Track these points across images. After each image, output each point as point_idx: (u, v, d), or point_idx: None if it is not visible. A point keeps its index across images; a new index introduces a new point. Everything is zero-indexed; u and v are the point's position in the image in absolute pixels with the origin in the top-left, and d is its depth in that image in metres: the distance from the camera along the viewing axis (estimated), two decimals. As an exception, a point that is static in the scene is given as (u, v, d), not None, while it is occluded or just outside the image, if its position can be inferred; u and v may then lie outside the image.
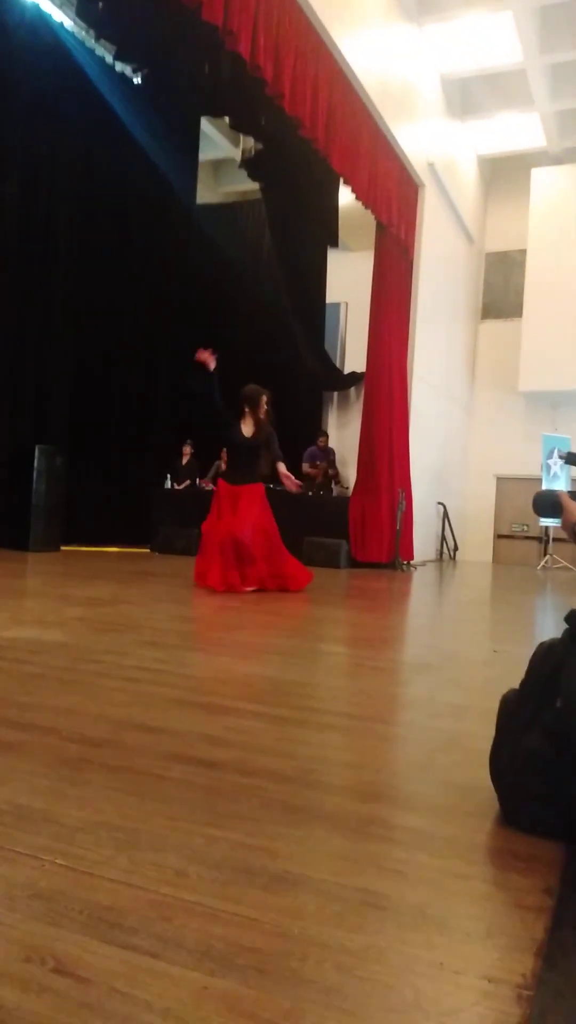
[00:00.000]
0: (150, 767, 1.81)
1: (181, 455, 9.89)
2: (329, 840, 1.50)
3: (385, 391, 8.89)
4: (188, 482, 9.60)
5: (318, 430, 11.35)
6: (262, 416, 5.67)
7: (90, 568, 7.04)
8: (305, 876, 1.34)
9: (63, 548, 8.48)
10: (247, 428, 5.67)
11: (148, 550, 9.12)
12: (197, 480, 9.62)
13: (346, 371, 11.40)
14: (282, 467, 5.79)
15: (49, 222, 8.93)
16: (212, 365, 5.54)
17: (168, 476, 9.60)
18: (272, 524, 5.72)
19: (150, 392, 10.68)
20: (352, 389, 11.22)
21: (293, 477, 5.89)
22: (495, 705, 1.74)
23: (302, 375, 10.99)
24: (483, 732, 2.07)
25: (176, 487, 9.51)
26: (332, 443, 11.34)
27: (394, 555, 8.75)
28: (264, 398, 5.69)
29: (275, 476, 5.82)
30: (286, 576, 5.66)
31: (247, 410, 5.68)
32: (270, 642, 3.60)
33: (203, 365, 5.53)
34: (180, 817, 1.55)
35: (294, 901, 1.26)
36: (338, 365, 11.51)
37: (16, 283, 8.50)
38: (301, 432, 11.20)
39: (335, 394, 11.60)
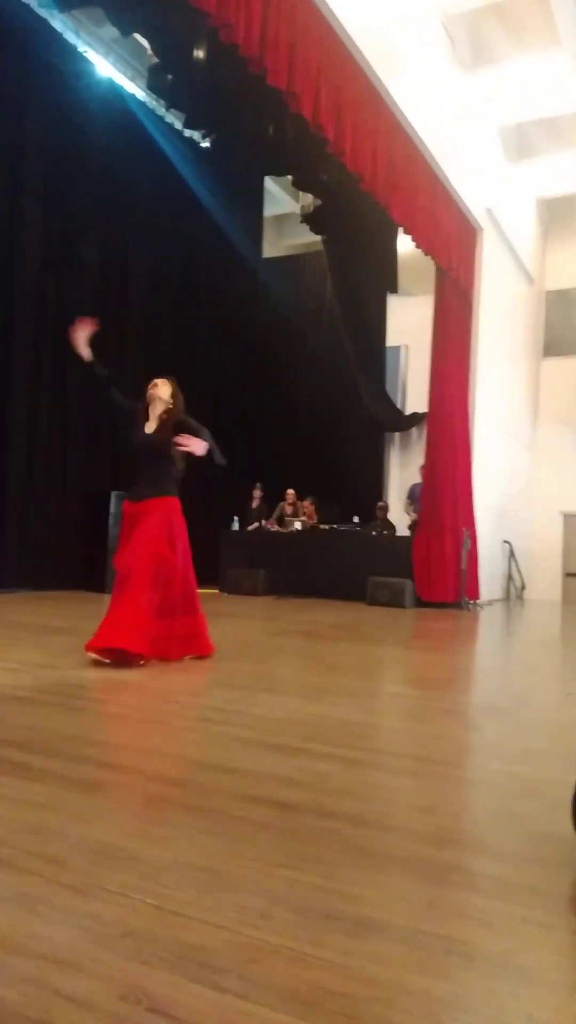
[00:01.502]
0: (228, 808, 1.85)
1: (251, 498, 10.06)
2: (409, 886, 1.51)
3: (447, 431, 8.89)
4: (256, 524, 9.74)
5: (377, 471, 11.40)
6: (162, 406, 4.24)
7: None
8: (387, 922, 1.35)
9: (134, 591, 8.64)
10: (149, 425, 4.25)
11: (216, 591, 9.24)
12: (263, 522, 9.75)
13: (407, 412, 11.45)
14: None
15: (124, 283, 9.36)
16: (85, 349, 4.29)
17: (236, 518, 9.76)
18: (177, 554, 4.05)
19: (217, 437, 10.91)
20: (414, 429, 11.26)
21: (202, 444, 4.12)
22: (572, 750, 1.72)
23: (364, 418, 11.11)
24: (562, 778, 2.04)
25: (248, 528, 9.67)
26: (393, 483, 11.36)
27: (460, 594, 8.65)
28: (158, 382, 4.33)
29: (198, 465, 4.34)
30: (197, 635, 4.09)
31: (147, 405, 4.29)
32: (338, 683, 3.61)
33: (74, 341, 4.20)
34: (260, 859, 1.58)
35: (378, 947, 1.28)
36: (399, 407, 11.58)
37: (93, 340, 8.87)
38: (360, 474, 11.27)
39: (396, 435, 11.65)
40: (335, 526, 9.18)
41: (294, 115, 5.68)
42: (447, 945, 1.30)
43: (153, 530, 3.94)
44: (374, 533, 9.18)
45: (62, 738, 2.42)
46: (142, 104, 9.11)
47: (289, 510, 9.86)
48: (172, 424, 4.17)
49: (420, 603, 8.34)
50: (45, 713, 2.74)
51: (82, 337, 4.32)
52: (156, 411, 4.30)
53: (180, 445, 4.09)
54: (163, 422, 4.22)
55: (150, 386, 4.36)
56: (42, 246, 8.18)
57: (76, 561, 8.57)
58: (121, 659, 3.66)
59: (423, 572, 8.47)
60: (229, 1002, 1.12)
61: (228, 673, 3.72)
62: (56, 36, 8.00)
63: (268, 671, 3.83)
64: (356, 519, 9.34)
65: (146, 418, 4.30)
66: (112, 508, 8.32)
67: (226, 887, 1.45)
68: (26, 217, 7.92)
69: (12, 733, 2.48)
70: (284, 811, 1.84)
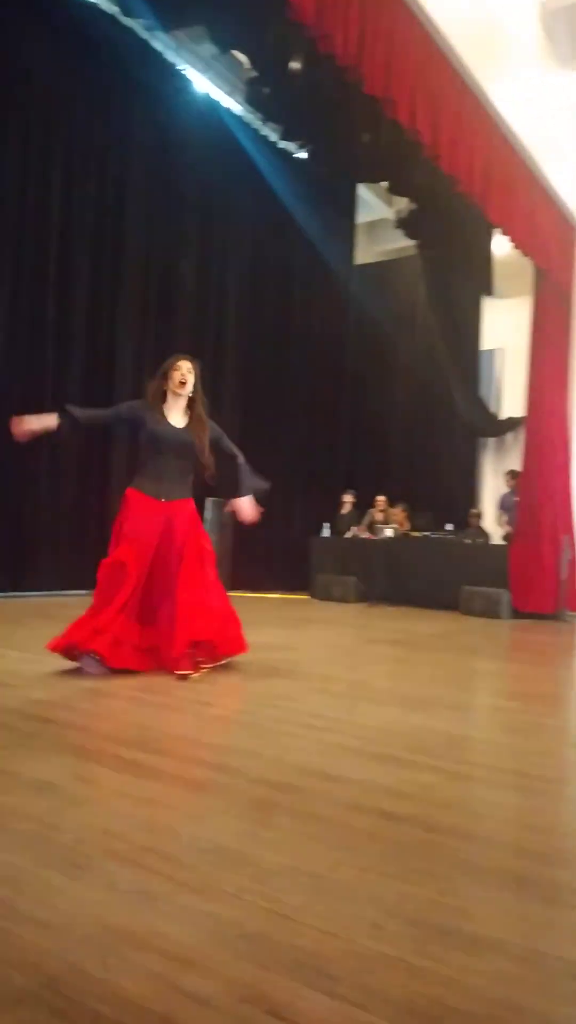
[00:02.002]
0: (335, 816, 1.85)
1: (341, 504, 10.07)
2: (523, 905, 1.48)
3: (545, 436, 8.63)
4: (347, 531, 9.75)
5: (471, 477, 11.17)
6: (186, 398, 3.81)
7: (256, 614, 7.26)
8: (504, 940, 1.33)
9: (229, 594, 8.80)
10: (175, 417, 3.81)
11: (307, 597, 9.29)
12: (353, 528, 9.74)
13: (502, 417, 11.19)
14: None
15: (220, 296, 9.58)
16: (36, 428, 3.67)
17: (326, 525, 9.79)
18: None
19: (310, 444, 11.01)
20: (509, 435, 11.00)
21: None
22: None
23: (458, 423, 10.93)
24: None
25: (337, 535, 9.68)
26: (488, 490, 11.11)
27: (559, 606, 8.37)
28: (187, 365, 3.80)
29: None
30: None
31: (164, 388, 3.78)
32: (437, 694, 3.56)
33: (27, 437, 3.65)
34: (370, 869, 1.58)
35: (493, 965, 1.26)
36: (494, 411, 11.33)
37: (189, 349, 9.10)
38: (453, 480, 11.07)
39: (491, 440, 11.39)
40: (427, 533, 9.06)
41: (390, 121, 5.67)
42: (566, 968, 1.26)
43: (206, 541, 3.86)
44: (468, 541, 9.01)
45: (170, 738, 2.49)
46: (237, 118, 9.30)
47: (379, 517, 9.80)
48: (209, 436, 3.84)
49: (516, 614, 8.11)
50: (153, 714, 2.82)
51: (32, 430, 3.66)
52: (180, 402, 3.81)
53: (231, 511, 3.94)
54: (197, 420, 3.82)
55: (175, 368, 3.77)
56: (143, 261, 8.46)
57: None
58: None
59: (520, 582, 8.24)
60: (347, 1011, 1.12)
61: (324, 680, 3.74)
62: (156, 56, 8.27)
63: (364, 680, 3.82)
64: (449, 526, 9.18)
65: (163, 400, 3.79)
66: (206, 515, 8.50)
67: (338, 895, 1.46)
68: (126, 237, 8.20)
69: (123, 730, 2.58)
70: (391, 822, 1.83)
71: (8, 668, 3.55)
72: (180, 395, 3.80)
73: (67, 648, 3.46)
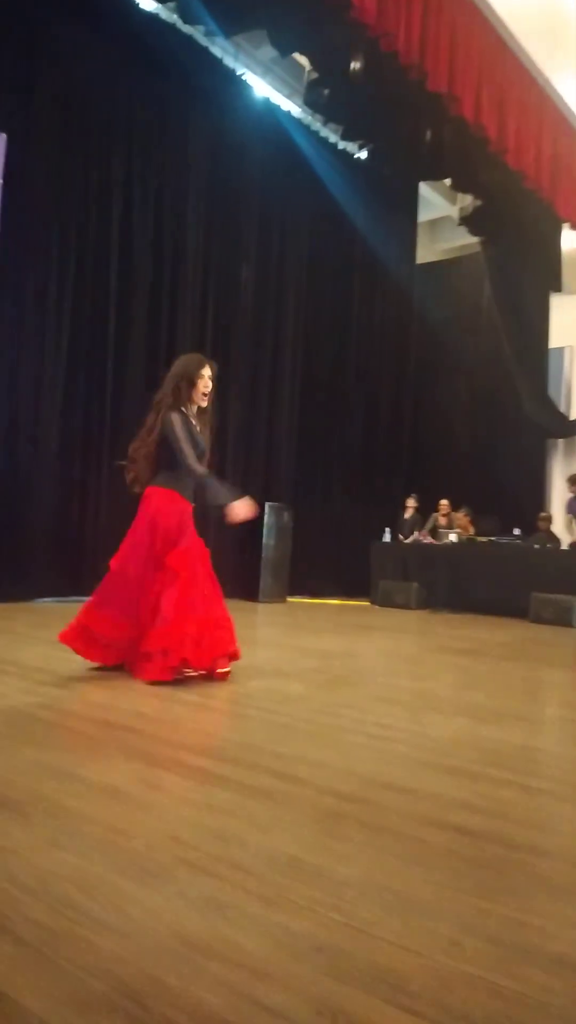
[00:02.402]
0: (408, 829, 1.81)
1: (404, 508, 9.94)
2: (610, 928, 1.40)
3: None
4: (410, 536, 9.61)
5: (539, 480, 10.91)
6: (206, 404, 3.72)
7: (317, 620, 7.24)
8: (590, 964, 1.26)
9: (288, 599, 8.82)
10: (202, 431, 3.74)
11: (368, 603, 9.20)
12: (416, 533, 9.60)
13: (572, 417, 10.89)
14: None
15: (280, 299, 9.60)
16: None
17: (387, 530, 9.68)
18: None
19: (371, 448, 10.94)
20: (579, 436, 10.71)
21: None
22: None
23: (525, 424, 10.67)
24: None
25: (399, 540, 9.56)
26: (557, 493, 10.81)
27: None
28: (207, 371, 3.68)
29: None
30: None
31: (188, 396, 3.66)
32: (508, 705, 3.46)
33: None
34: (446, 885, 1.53)
35: (578, 988, 1.19)
36: (563, 411, 11.04)
37: (249, 355, 9.20)
38: (521, 483, 10.82)
39: (560, 442, 11.10)
40: (493, 538, 8.86)
41: (454, 117, 5.59)
42: None
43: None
44: (537, 546, 8.78)
45: (235, 745, 2.48)
46: (296, 121, 9.31)
47: (443, 521, 9.64)
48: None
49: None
50: (218, 720, 2.82)
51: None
52: (203, 414, 3.73)
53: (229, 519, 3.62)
54: (210, 431, 3.78)
55: (201, 376, 3.66)
56: (203, 266, 8.54)
57: (232, 570, 8.84)
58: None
59: (591, 588, 7.98)
60: (427, 1031, 1.08)
61: (389, 689, 3.68)
62: (216, 62, 8.36)
63: (430, 689, 3.75)
64: (517, 531, 8.96)
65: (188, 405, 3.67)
66: (266, 519, 8.53)
67: (414, 910, 1.42)
68: (186, 242, 8.30)
69: (187, 736, 2.58)
70: (466, 837, 1.77)
71: (67, 671, 3.60)
72: (203, 404, 3.71)
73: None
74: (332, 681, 3.77)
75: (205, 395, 3.67)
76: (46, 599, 6.96)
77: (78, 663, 3.86)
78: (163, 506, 3.61)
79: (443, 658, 4.98)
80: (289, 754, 2.40)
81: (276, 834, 1.74)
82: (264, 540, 8.53)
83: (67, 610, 6.51)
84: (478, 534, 9.16)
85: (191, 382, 3.64)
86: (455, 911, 1.43)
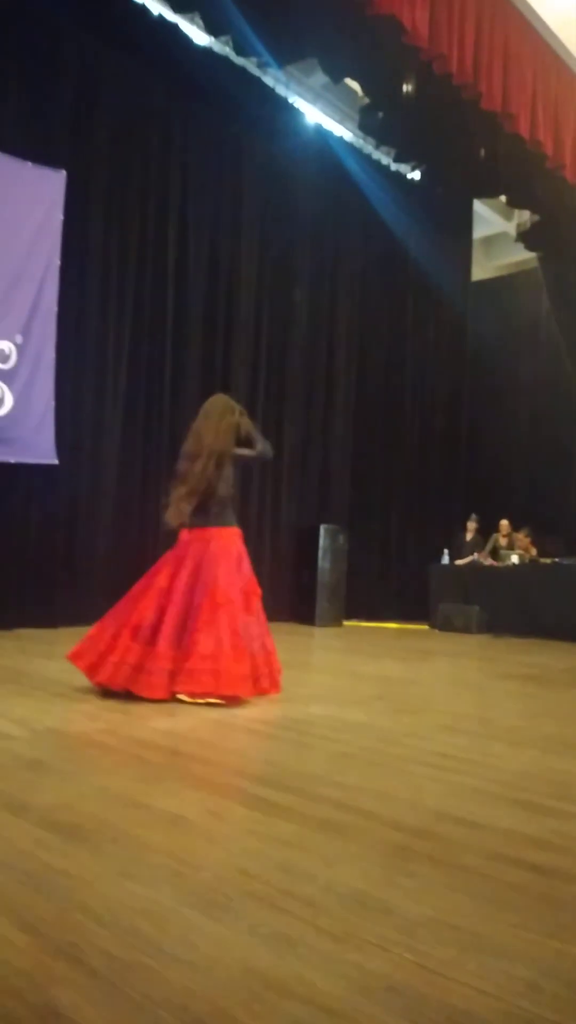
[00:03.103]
0: (478, 866, 1.76)
1: (465, 530, 9.78)
2: None
3: None
4: (469, 558, 9.44)
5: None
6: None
7: (374, 644, 7.17)
8: None
9: (345, 623, 8.76)
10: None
11: (427, 627, 9.06)
12: (476, 555, 9.42)
13: None
14: None
15: (332, 322, 9.66)
16: None
17: (446, 551, 9.53)
18: None
19: (428, 468, 10.84)
20: None
21: None
22: None
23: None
24: None
25: (458, 562, 9.40)
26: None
27: None
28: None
29: None
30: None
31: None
32: (576, 734, 3.36)
33: None
34: (520, 925, 1.48)
35: None
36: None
37: (303, 377, 9.27)
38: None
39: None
40: (558, 560, 8.64)
41: (509, 135, 5.57)
42: None
43: None
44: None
45: (297, 775, 2.46)
46: (348, 144, 9.40)
47: (503, 542, 9.45)
48: None
49: None
50: (280, 748, 2.81)
51: None
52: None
53: None
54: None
55: (243, 412, 4.02)
56: (256, 291, 8.66)
57: (288, 593, 8.85)
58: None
59: None
60: None
61: (452, 718, 3.60)
62: (268, 91, 8.52)
63: (496, 718, 3.65)
64: (582, 552, 8.73)
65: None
66: (321, 541, 8.52)
67: (489, 951, 1.38)
68: (240, 267, 8.44)
69: (249, 765, 2.57)
70: (541, 876, 1.71)
71: (134, 697, 3.63)
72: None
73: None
74: (393, 708, 3.72)
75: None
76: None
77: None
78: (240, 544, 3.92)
79: (507, 685, 4.86)
80: (352, 784, 2.37)
81: (343, 868, 1.72)
82: (319, 563, 8.51)
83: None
84: (541, 555, 8.95)
85: (238, 418, 3.99)
86: (532, 953, 1.38)
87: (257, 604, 3.89)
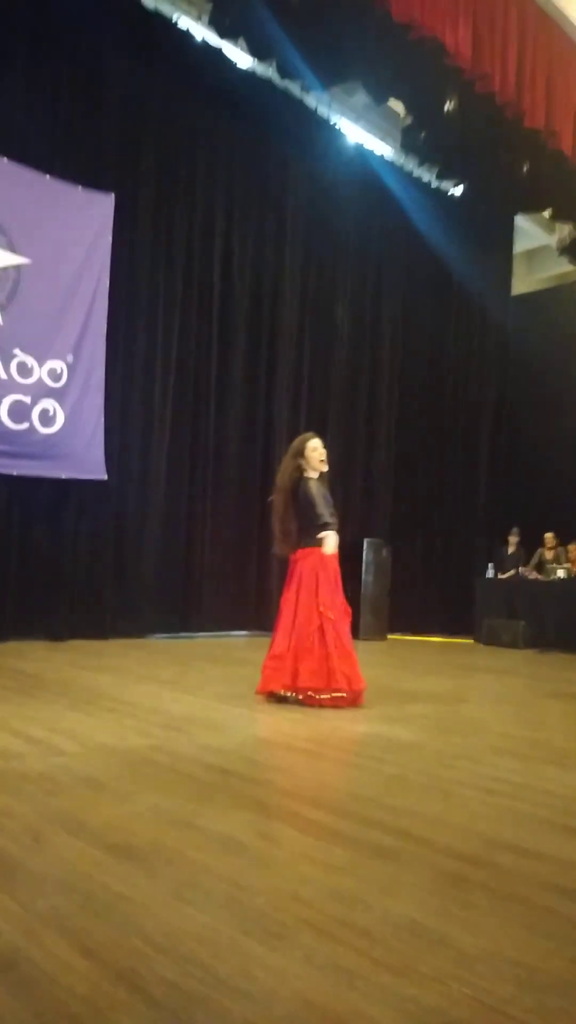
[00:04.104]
0: (536, 898, 1.74)
1: (507, 544, 9.67)
2: None
3: None
4: (513, 571, 9.32)
5: None
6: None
7: (419, 660, 7.11)
8: None
9: (389, 637, 8.70)
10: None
11: (471, 641, 8.96)
12: (520, 569, 9.30)
13: None
14: None
15: (373, 340, 9.68)
16: None
17: (490, 565, 9.43)
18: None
19: (471, 482, 10.76)
20: None
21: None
22: None
23: None
24: None
25: (500, 576, 9.28)
26: None
27: None
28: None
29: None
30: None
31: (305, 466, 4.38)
32: (630, 757, 3.28)
33: None
34: (580, 962, 1.46)
35: None
36: None
37: (346, 393, 9.30)
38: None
39: None
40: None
41: (553, 151, 5.53)
42: None
43: None
44: None
45: (349, 797, 2.46)
46: (389, 163, 9.43)
47: (549, 555, 9.31)
48: None
49: None
50: (330, 769, 2.81)
51: None
52: (323, 477, 4.43)
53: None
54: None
55: (315, 448, 4.34)
56: (300, 308, 8.73)
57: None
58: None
59: None
60: None
61: (503, 739, 3.56)
62: (310, 112, 8.60)
63: (547, 739, 3.60)
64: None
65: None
66: (364, 555, 8.50)
67: (548, 989, 1.36)
68: (284, 284, 8.51)
69: (300, 786, 2.58)
70: (599, 908, 1.69)
71: (183, 713, 3.67)
72: (323, 469, 4.36)
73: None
74: (441, 728, 3.69)
75: (322, 461, 4.32)
76: (157, 635, 7.17)
77: (186, 703, 3.94)
78: (316, 561, 4.24)
79: (556, 704, 4.78)
80: (403, 808, 2.36)
81: (398, 897, 1.71)
82: (363, 577, 8.49)
83: (176, 647, 6.69)
84: (587, 570, 8.78)
85: (302, 455, 4.32)
86: (594, 993, 1.36)
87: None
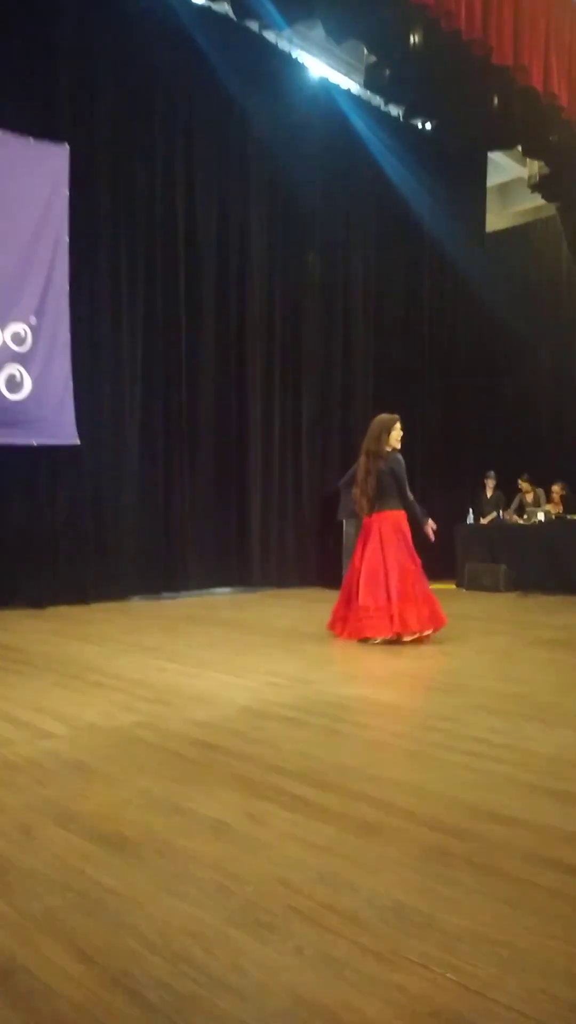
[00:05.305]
0: (518, 870, 1.79)
1: (484, 488, 9.71)
2: None
3: None
4: (493, 515, 9.39)
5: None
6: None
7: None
8: None
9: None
10: None
11: (454, 586, 9.08)
12: (500, 513, 9.37)
13: None
14: None
15: (348, 282, 9.49)
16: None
17: (471, 510, 9.49)
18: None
19: (449, 426, 10.73)
20: None
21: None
22: None
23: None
24: None
25: (481, 521, 9.35)
26: None
27: None
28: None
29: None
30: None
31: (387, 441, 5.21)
32: (610, 708, 3.36)
33: None
34: (562, 939, 1.51)
35: None
36: None
37: (320, 343, 9.16)
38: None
39: None
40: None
41: (522, 88, 5.35)
42: None
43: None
44: None
45: (334, 768, 2.50)
46: (356, 97, 9.10)
47: (529, 499, 9.38)
48: None
49: None
50: (313, 738, 2.85)
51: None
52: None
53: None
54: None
55: (397, 428, 5.15)
56: (268, 253, 8.52)
57: (314, 559, 8.91)
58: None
59: None
60: None
61: (485, 694, 3.63)
62: (270, 47, 8.25)
63: (530, 693, 3.67)
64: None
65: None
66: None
67: (530, 969, 1.41)
68: (252, 228, 8.28)
69: (286, 759, 2.61)
70: (578, 879, 1.74)
71: (168, 684, 3.71)
72: (398, 446, 5.15)
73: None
74: (424, 686, 3.75)
75: (399, 440, 5.14)
76: (139, 596, 7.20)
77: (172, 672, 3.98)
78: (398, 523, 5.06)
79: (539, 653, 4.87)
80: (388, 778, 2.41)
81: (383, 876, 1.76)
82: (345, 528, 8.52)
83: (159, 609, 6.71)
84: (567, 511, 8.87)
85: (388, 432, 5.11)
86: (572, 969, 1.41)
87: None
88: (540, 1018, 1.27)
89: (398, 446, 5.13)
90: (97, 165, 6.90)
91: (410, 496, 5.09)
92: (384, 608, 4.87)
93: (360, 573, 4.97)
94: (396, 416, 5.18)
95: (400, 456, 5.11)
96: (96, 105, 6.87)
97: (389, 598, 4.86)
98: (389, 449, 5.07)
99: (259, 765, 2.54)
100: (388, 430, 5.10)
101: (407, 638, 4.88)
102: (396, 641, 4.87)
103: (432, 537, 5.25)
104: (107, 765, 2.53)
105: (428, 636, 4.99)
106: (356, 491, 5.14)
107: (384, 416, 5.20)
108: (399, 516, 5.05)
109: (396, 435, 5.11)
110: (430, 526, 5.20)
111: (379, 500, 5.04)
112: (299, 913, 1.59)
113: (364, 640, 4.90)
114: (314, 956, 1.44)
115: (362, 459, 5.12)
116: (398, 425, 5.13)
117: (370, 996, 1.33)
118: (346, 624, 5.08)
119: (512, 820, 2.07)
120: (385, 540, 4.97)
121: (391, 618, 4.86)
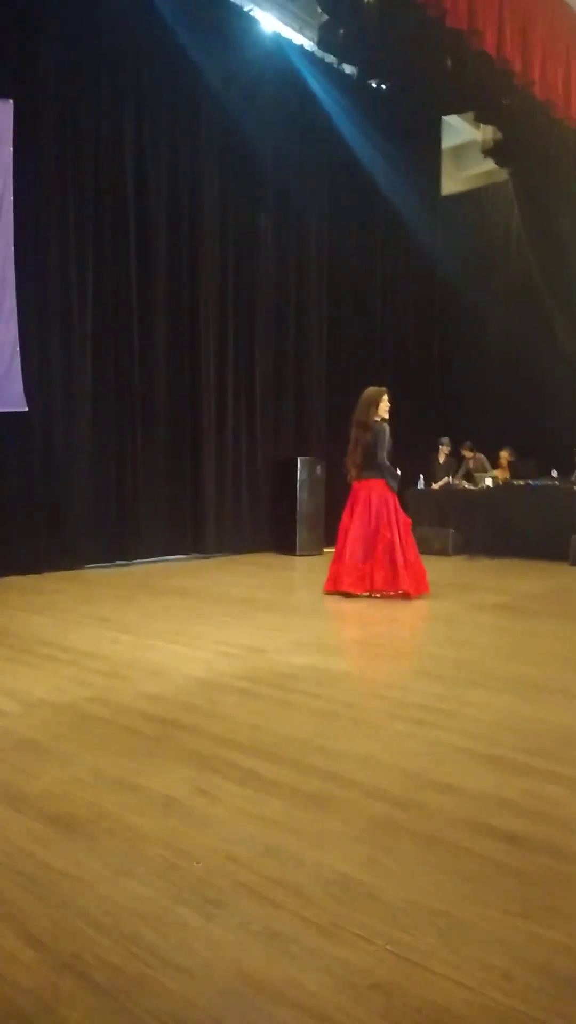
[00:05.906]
0: (456, 838, 1.87)
1: (438, 453, 9.83)
2: None
3: None
4: (444, 481, 9.52)
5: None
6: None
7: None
8: None
9: (325, 550, 8.86)
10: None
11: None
12: (452, 479, 9.51)
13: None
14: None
15: (301, 244, 9.35)
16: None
17: (421, 476, 9.60)
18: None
19: (402, 393, 10.74)
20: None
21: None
22: None
23: (560, 358, 10.37)
24: None
25: (432, 486, 9.48)
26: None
27: None
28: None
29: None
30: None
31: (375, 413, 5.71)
32: (553, 677, 3.48)
33: None
34: (495, 905, 1.59)
35: (630, 1025, 1.25)
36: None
37: (272, 305, 9.05)
38: (559, 421, 10.58)
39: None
40: (531, 482, 8.74)
41: (476, 52, 5.29)
42: None
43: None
44: (575, 484, 8.62)
45: (283, 740, 2.55)
46: (309, 54, 8.88)
47: (472, 465, 9.55)
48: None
49: None
50: (264, 709, 2.90)
51: None
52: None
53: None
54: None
55: (384, 400, 5.63)
56: (220, 213, 8.35)
57: (267, 524, 8.94)
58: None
59: None
60: (483, 1078, 1.14)
61: (430, 660, 3.73)
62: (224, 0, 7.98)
63: (472, 659, 3.78)
64: (555, 473, 8.81)
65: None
66: (299, 475, 8.54)
67: (466, 938, 1.48)
68: (203, 187, 8.09)
69: (238, 732, 2.66)
70: (514, 846, 1.83)
71: (121, 656, 3.71)
72: (386, 417, 5.63)
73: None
74: (375, 655, 3.83)
75: (387, 411, 5.60)
76: (93, 566, 7.14)
77: (125, 643, 3.98)
78: (382, 491, 5.59)
79: (482, 618, 5.00)
80: (335, 749, 2.47)
81: (328, 849, 1.82)
82: (298, 494, 8.56)
83: (110, 579, 6.68)
84: (515, 477, 9.04)
85: (376, 404, 5.59)
86: (505, 937, 1.48)
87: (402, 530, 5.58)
88: (473, 985, 1.35)
89: (386, 416, 5.58)
90: (42, 121, 6.62)
91: (384, 462, 5.53)
92: (359, 567, 5.48)
93: (347, 534, 5.54)
94: (384, 389, 5.62)
95: (386, 426, 5.56)
96: (41, 59, 6.57)
97: (365, 559, 5.46)
98: (378, 419, 5.52)
99: (211, 739, 2.58)
100: (376, 403, 5.56)
101: (376, 595, 5.50)
102: (369, 597, 5.53)
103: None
104: (59, 743, 2.54)
105: (402, 596, 5.47)
106: (347, 459, 5.66)
107: (372, 389, 5.66)
108: (384, 483, 5.60)
109: (384, 406, 5.57)
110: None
111: (366, 468, 5.55)
112: (246, 888, 1.64)
113: (345, 594, 5.50)
114: (260, 931, 1.49)
115: (353, 430, 5.60)
116: (385, 397, 5.59)
117: (313, 970, 1.38)
118: (335, 580, 5.63)
119: (452, 788, 2.15)
120: (371, 505, 5.50)
121: (363, 577, 5.47)
